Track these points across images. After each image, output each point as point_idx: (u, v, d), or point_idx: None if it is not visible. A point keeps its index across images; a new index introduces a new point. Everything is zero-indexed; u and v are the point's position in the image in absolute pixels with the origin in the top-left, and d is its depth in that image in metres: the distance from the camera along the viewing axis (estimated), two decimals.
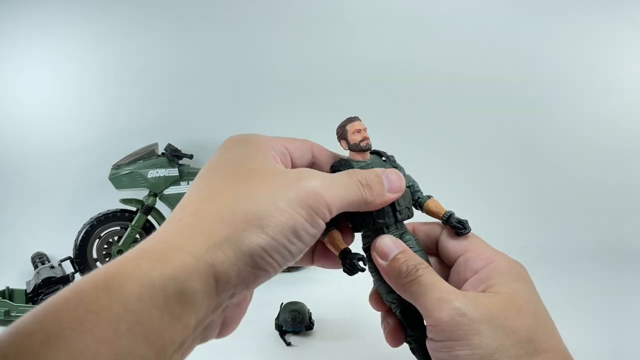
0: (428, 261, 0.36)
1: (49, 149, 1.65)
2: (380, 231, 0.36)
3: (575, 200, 1.60)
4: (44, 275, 1.08)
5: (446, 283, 0.32)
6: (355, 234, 0.38)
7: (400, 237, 0.36)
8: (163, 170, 1.34)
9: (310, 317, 0.86)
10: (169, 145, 1.39)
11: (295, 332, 0.84)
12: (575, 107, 1.63)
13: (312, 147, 0.36)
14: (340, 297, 0.99)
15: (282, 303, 0.87)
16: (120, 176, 1.33)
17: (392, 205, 0.36)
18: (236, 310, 0.30)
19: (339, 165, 0.36)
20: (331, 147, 0.38)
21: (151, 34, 1.66)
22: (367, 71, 1.63)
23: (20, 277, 1.23)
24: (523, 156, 1.64)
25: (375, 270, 0.36)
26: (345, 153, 0.38)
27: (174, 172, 1.35)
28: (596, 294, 1.08)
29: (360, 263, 0.33)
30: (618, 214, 1.56)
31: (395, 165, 0.37)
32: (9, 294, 1.05)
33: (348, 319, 0.88)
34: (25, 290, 1.07)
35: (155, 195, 1.34)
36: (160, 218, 1.38)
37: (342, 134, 0.37)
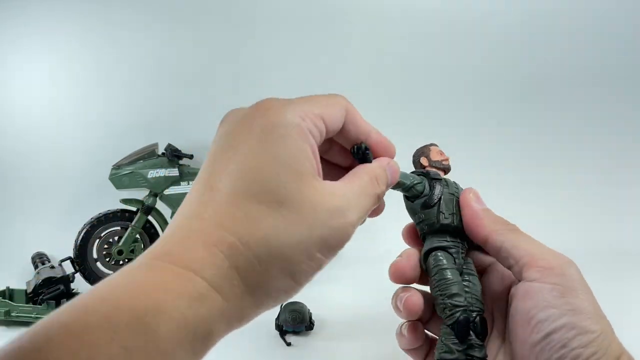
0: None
1: (49, 149, 1.65)
2: (435, 240, 0.35)
3: (576, 201, 1.60)
4: (44, 276, 1.08)
5: None
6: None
7: (463, 271, 0.34)
8: (163, 170, 1.34)
9: (310, 317, 0.86)
10: (169, 145, 1.39)
11: (295, 332, 0.84)
12: (580, 104, 1.63)
13: (347, 110, 0.30)
14: (341, 297, 0.99)
15: (282, 303, 0.87)
16: (120, 176, 1.33)
17: (438, 208, 0.35)
18: None
19: (430, 175, 0.37)
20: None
21: (151, 33, 1.66)
22: (368, 71, 1.63)
23: (21, 277, 1.23)
24: (523, 158, 1.64)
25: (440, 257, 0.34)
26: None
27: (174, 172, 1.35)
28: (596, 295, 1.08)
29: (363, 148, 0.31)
30: (618, 214, 1.56)
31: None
32: (9, 294, 1.06)
33: (348, 319, 0.88)
34: (26, 290, 1.07)
35: (155, 196, 1.34)
36: (161, 218, 1.37)
37: (423, 152, 0.39)
